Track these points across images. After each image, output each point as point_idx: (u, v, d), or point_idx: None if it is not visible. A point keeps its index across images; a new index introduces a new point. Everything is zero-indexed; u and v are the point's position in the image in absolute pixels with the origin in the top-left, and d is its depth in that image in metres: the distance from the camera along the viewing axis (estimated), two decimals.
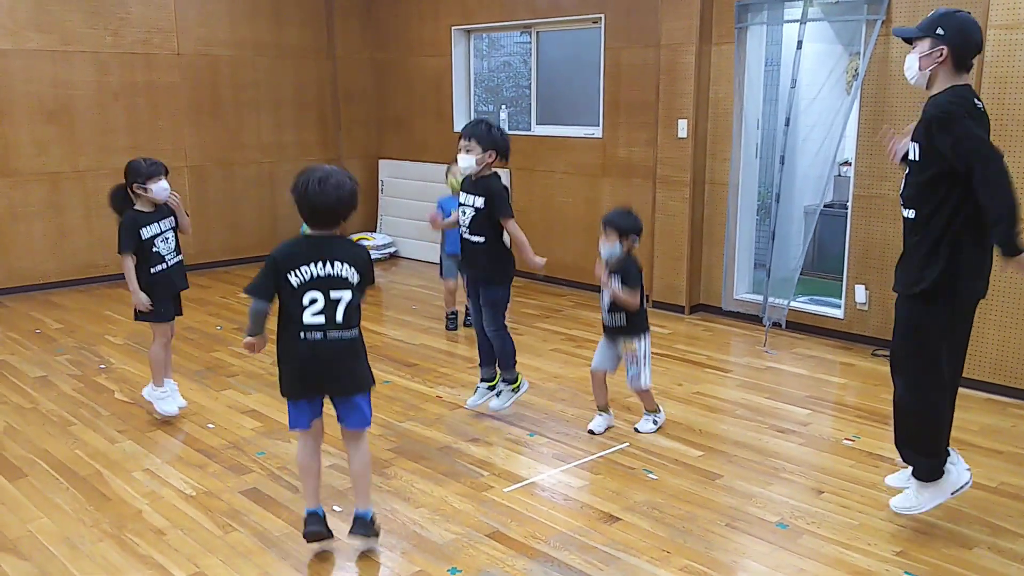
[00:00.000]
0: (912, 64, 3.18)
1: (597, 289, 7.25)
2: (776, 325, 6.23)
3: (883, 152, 5.63)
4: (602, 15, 7.25)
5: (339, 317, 3.05)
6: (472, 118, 8.78)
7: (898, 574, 3.19)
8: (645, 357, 4.38)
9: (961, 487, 3.38)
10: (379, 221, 9.55)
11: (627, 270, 4.30)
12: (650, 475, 4.01)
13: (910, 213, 3.25)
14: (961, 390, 3.49)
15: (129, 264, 4.38)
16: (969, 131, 2.97)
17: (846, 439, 4.43)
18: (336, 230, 3.15)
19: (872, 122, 5.76)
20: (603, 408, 4.55)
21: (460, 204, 4.51)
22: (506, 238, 4.49)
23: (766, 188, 7.02)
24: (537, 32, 8.07)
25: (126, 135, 7.93)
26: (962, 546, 3.38)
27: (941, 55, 3.08)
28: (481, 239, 4.44)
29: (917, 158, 3.18)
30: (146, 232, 4.39)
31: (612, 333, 4.43)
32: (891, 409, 3.45)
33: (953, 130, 2.99)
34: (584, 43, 7.65)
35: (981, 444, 4.33)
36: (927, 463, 3.35)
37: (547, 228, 7.97)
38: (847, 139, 6.17)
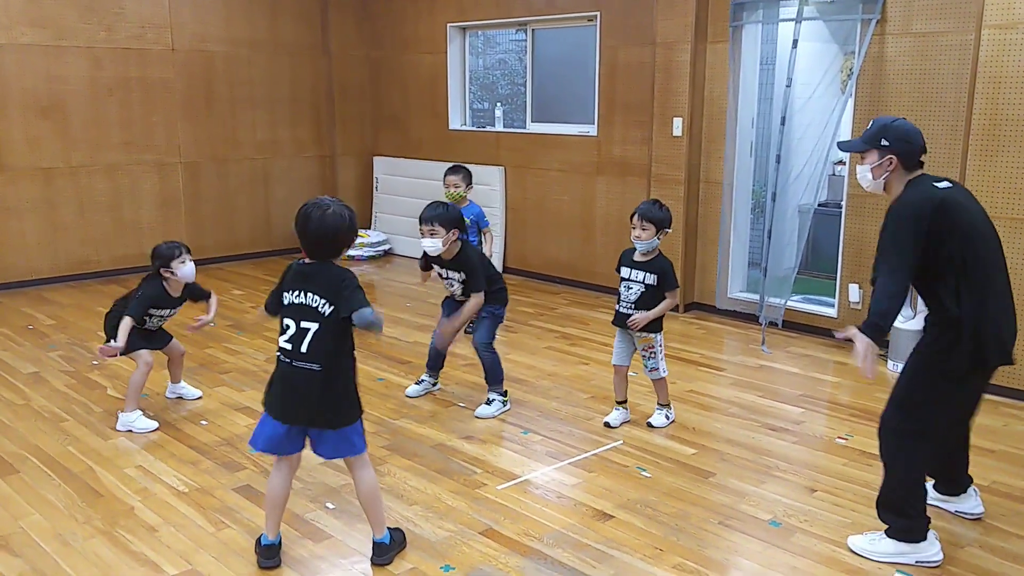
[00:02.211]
0: (865, 175, 3.31)
1: (591, 287, 7.19)
2: (772, 324, 6.24)
3: None
4: (598, 13, 7.25)
5: (304, 347, 2.99)
6: (469, 119, 8.78)
7: (890, 572, 3.20)
8: (660, 348, 4.43)
9: (927, 560, 3.25)
10: (374, 218, 9.54)
11: (666, 270, 4.34)
12: (643, 473, 4.01)
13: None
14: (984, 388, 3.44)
15: (128, 325, 4.37)
16: (895, 240, 3.10)
17: (839, 438, 4.44)
18: (332, 260, 3.08)
19: (867, 121, 5.75)
20: (621, 402, 4.59)
21: (444, 277, 4.67)
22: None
23: (760, 186, 7.03)
24: (533, 30, 8.06)
25: (120, 131, 7.90)
26: (954, 544, 3.39)
27: (891, 164, 3.23)
28: None
29: None
30: (154, 312, 4.51)
31: (627, 316, 4.40)
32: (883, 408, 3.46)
33: (887, 230, 3.13)
34: (580, 41, 7.65)
35: (974, 443, 4.28)
36: (903, 523, 3.28)
37: (541, 226, 7.97)
38: (841, 138, 6.18)
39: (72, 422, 4.59)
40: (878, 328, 3.09)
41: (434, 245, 4.44)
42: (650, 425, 4.51)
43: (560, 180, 7.77)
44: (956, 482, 3.60)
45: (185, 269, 4.47)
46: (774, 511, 3.65)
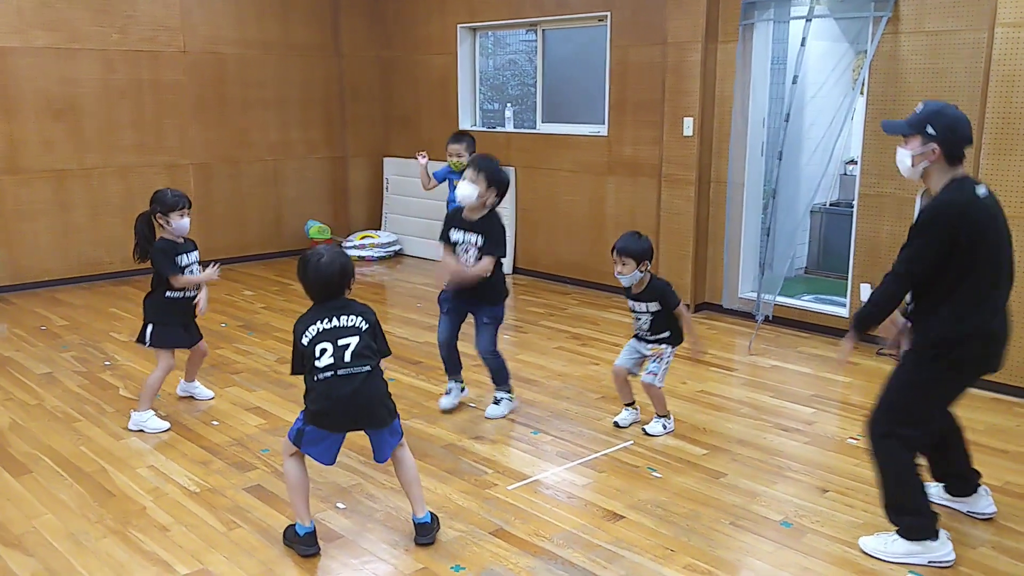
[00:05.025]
0: (904, 160, 3.18)
1: (601, 287, 7.18)
2: (766, 319, 6.23)
3: (889, 151, 5.66)
4: (608, 13, 7.24)
5: (347, 357, 3.16)
6: (479, 119, 8.79)
7: (902, 573, 3.18)
8: (668, 359, 4.40)
9: (939, 561, 3.23)
10: (384, 219, 9.56)
11: (663, 292, 4.28)
12: (654, 473, 4.01)
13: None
14: (968, 389, 3.43)
15: (181, 278, 4.48)
16: (922, 249, 3.07)
17: (851, 438, 4.42)
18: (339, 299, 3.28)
19: (879, 119, 5.73)
20: (629, 404, 4.58)
21: (456, 241, 4.48)
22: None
23: (771, 186, 7.01)
24: (543, 30, 8.06)
25: (132, 133, 7.95)
26: (967, 545, 3.37)
27: (934, 154, 3.08)
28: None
29: None
30: (181, 260, 4.51)
31: (647, 341, 4.41)
32: None
33: (921, 234, 3.08)
34: (590, 41, 7.64)
35: (987, 443, 4.31)
36: (911, 520, 3.25)
37: (552, 226, 7.97)
38: (854, 137, 6.15)
39: (85, 422, 4.62)
40: (869, 318, 3.16)
41: (470, 191, 4.32)
42: (646, 433, 4.44)
43: (571, 180, 7.76)
44: (965, 480, 3.58)
45: (182, 223, 4.50)
46: (785, 512, 3.64)
